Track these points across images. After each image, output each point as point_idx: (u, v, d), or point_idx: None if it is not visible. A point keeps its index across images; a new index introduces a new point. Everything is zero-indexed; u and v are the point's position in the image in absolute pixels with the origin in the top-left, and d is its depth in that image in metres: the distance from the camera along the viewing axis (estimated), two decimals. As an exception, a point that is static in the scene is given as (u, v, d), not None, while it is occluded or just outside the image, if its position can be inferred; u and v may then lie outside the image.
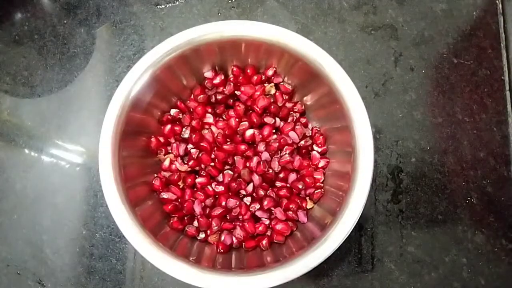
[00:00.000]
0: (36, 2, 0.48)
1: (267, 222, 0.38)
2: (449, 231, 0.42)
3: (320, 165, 0.39)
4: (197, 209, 0.38)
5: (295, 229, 0.38)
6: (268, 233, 0.38)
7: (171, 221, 0.38)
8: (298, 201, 0.38)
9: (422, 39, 0.46)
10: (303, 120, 0.41)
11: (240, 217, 0.38)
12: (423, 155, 0.43)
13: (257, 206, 0.38)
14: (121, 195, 0.33)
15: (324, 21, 0.47)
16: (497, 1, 0.47)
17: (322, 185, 0.39)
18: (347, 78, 0.34)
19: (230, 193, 0.38)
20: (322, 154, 0.40)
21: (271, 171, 0.38)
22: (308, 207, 0.39)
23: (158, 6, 0.47)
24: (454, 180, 0.43)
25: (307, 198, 0.39)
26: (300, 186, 0.38)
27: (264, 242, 0.37)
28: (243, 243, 0.38)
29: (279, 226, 0.37)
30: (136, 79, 0.34)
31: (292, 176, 0.39)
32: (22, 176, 0.44)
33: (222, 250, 0.37)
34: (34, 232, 0.43)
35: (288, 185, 0.39)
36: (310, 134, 0.41)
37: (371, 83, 0.45)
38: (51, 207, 0.43)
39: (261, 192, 0.38)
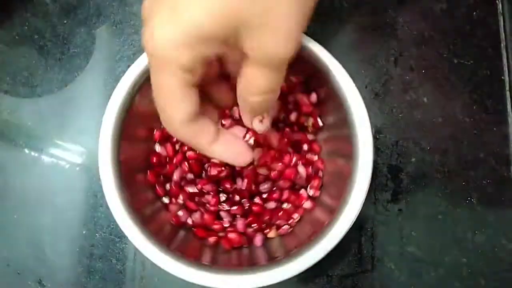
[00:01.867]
0: (36, 2, 0.48)
1: (226, 224, 0.38)
2: (449, 231, 0.42)
3: (306, 205, 0.39)
4: (176, 175, 0.38)
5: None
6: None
7: (148, 173, 0.38)
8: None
9: (422, 39, 0.46)
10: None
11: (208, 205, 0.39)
12: (423, 155, 0.43)
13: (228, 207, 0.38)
14: (121, 194, 0.33)
15: (324, 21, 0.46)
16: (497, 1, 0.47)
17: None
18: (348, 77, 0.34)
19: (209, 182, 0.39)
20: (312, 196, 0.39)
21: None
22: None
23: (158, 6, 0.47)
24: (454, 180, 0.43)
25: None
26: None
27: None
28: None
29: (231, 235, 0.37)
30: (135, 78, 0.34)
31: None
32: (22, 176, 0.44)
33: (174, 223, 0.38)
34: (34, 232, 0.43)
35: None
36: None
37: (371, 83, 0.45)
38: (51, 207, 0.43)
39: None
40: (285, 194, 0.39)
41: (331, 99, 0.35)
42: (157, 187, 0.38)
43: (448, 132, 0.44)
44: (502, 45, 0.46)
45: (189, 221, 0.38)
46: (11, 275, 0.42)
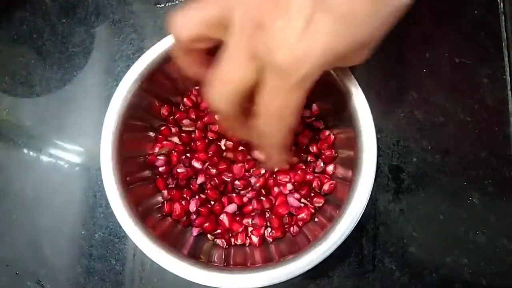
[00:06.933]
0: (35, 1, 0.47)
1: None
2: (451, 232, 0.42)
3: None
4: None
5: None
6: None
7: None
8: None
9: (423, 38, 0.46)
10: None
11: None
12: (424, 155, 0.43)
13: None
14: (122, 193, 0.33)
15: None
16: (498, 1, 0.46)
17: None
18: (351, 77, 0.34)
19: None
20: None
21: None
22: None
23: (157, 5, 0.47)
24: (456, 180, 0.43)
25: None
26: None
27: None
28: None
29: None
30: (136, 78, 0.34)
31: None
32: (21, 176, 0.44)
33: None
34: (33, 232, 0.42)
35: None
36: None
37: (371, 83, 0.45)
38: (50, 207, 0.43)
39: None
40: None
41: (335, 101, 0.35)
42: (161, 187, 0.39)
43: (449, 132, 0.44)
44: (503, 44, 0.45)
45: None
46: (10, 276, 0.42)
